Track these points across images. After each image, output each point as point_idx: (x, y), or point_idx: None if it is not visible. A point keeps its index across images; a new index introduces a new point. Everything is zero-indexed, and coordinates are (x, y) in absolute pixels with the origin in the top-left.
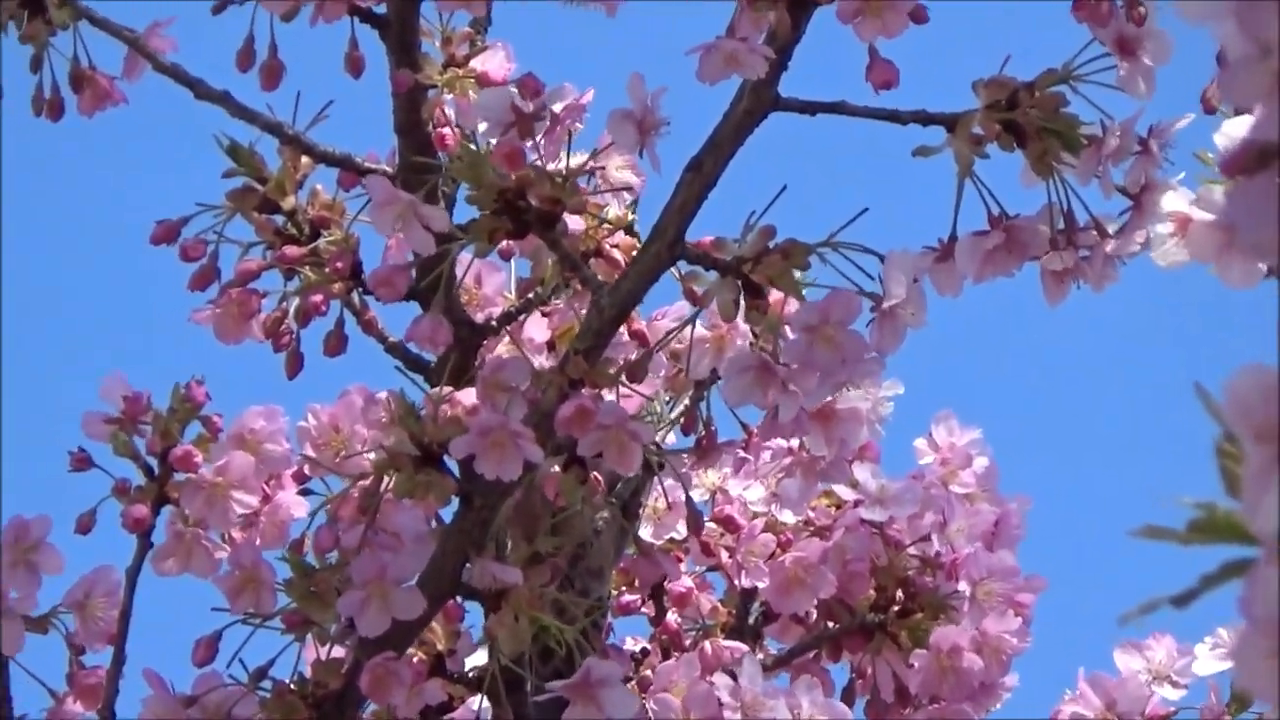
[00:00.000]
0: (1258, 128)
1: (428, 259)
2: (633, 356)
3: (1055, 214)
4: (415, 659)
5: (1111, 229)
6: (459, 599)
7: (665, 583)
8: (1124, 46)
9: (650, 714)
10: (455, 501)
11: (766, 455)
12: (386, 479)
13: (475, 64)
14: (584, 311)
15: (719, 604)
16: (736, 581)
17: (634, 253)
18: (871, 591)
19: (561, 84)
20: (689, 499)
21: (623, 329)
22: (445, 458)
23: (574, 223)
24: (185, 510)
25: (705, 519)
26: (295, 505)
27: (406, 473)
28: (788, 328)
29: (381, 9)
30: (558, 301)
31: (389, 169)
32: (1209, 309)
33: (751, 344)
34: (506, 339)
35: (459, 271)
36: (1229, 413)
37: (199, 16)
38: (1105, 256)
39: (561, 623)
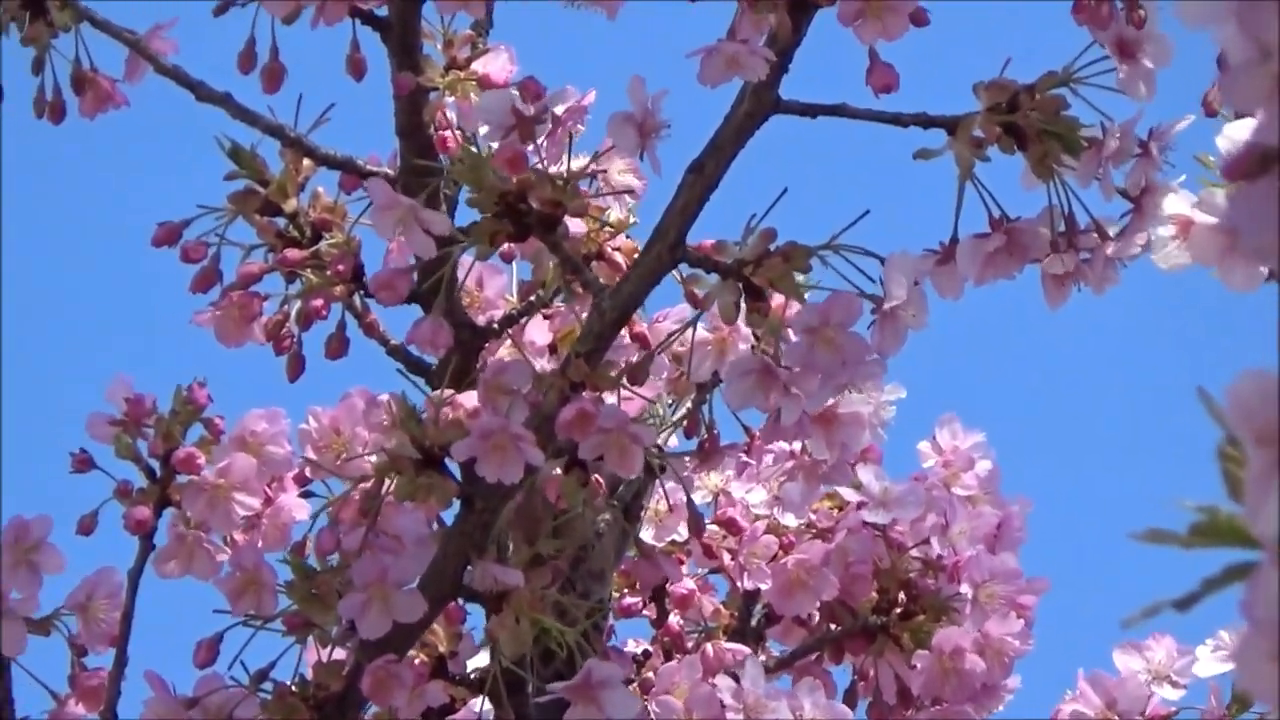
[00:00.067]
0: (1259, 131)
1: (429, 262)
2: (634, 359)
3: (1056, 216)
4: (417, 661)
5: (1112, 231)
6: (460, 601)
7: (667, 585)
8: (1124, 49)
9: (652, 715)
10: (456, 504)
11: (769, 458)
12: (388, 482)
13: (477, 66)
14: (585, 314)
15: (721, 606)
16: (739, 583)
17: (635, 256)
18: (874, 594)
19: (563, 87)
20: (690, 501)
21: (624, 332)
22: (447, 460)
23: (575, 225)
24: (187, 512)
25: (707, 521)
26: (297, 507)
27: (408, 475)
28: (789, 330)
29: (383, 11)
30: (559, 304)
31: (390, 172)
32: (1210, 312)
33: (753, 346)
34: (508, 342)
35: (460, 274)
36: (1231, 416)
37: (200, 19)
38: (1106, 259)
39: (563, 625)
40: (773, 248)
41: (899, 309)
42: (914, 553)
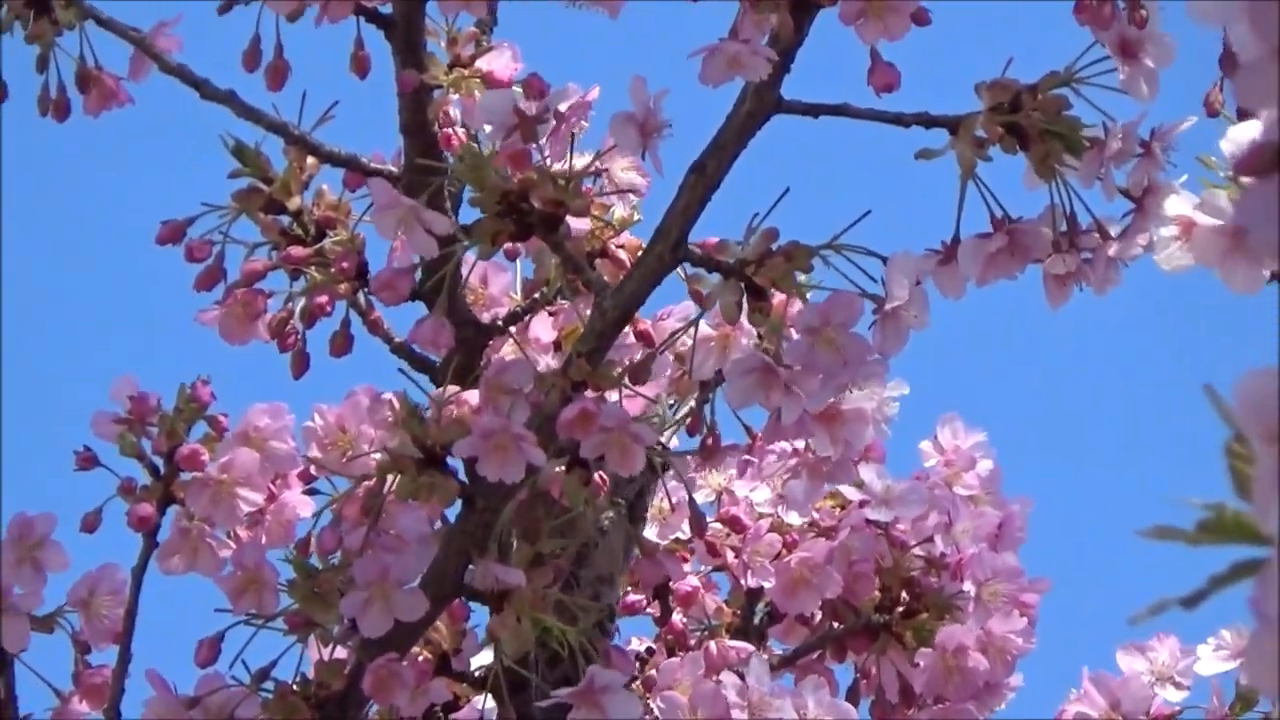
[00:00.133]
0: (1271, 129)
1: (433, 259)
2: (637, 358)
3: (1058, 216)
4: (420, 658)
5: (1114, 232)
6: (462, 599)
7: (670, 583)
8: (1126, 49)
9: (657, 712)
10: (459, 503)
11: (772, 457)
12: (390, 480)
13: (481, 64)
14: (588, 313)
15: (724, 604)
16: (742, 582)
17: (640, 253)
18: (876, 592)
19: (566, 85)
20: (692, 501)
21: (628, 330)
22: (449, 459)
23: (578, 224)
24: (191, 508)
25: (710, 520)
26: (301, 504)
27: (410, 474)
28: (791, 330)
29: (387, 9)
30: (563, 302)
31: (394, 169)
32: (1211, 313)
33: (757, 345)
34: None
35: (464, 272)
36: (1239, 414)
37: (205, 16)
38: (1107, 259)
39: (565, 624)
40: (775, 247)
41: (901, 309)
42: (916, 551)
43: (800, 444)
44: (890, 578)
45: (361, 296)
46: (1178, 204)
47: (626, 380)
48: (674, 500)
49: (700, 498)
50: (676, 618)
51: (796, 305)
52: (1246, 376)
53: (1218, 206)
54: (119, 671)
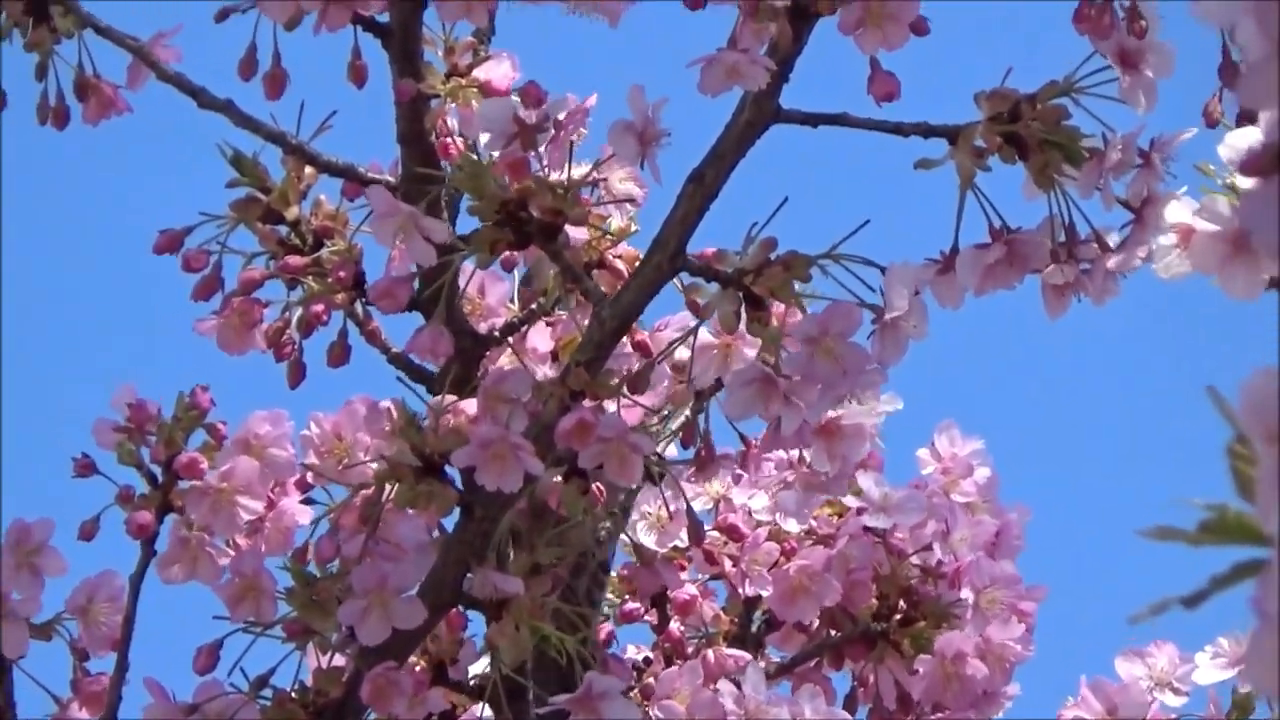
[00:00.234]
0: (1273, 130)
1: (430, 269)
2: (635, 368)
3: (1056, 227)
4: (418, 667)
5: (1113, 242)
6: (460, 608)
7: (668, 591)
8: (1125, 59)
9: None
10: (457, 512)
11: (769, 466)
12: (388, 489)
13: (479, 73)
14: (586, 323)
15: (722, 612)
16: (740, 590)
17: (637, 263)
18: (874, 600)
19: (564, 94)
20: (690, 509)
21: (625, 340)
22: (447, 468)
23: (577, 234)
24: (191, 516)
25: (708, 528)
26: (299, 512)
27: (408, 483)
28: (790, 339)
29: (384, 18)
30: (561, 312)
31: (392, 179)
32: (1210, 321)
33: (758, 354)
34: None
35: (462, 281)
36: (1242, 415)
37: (202, 25)
38: (1106, 271)
39: (563, 633)
40: (773, 257)
41: (900, 319)
42: (914, 559)
43: (797, 455)
44: (888, 585)
45: (359, 306)
46: (1177, 211)
47: (625, 390)
48: (672, 509)
49: (698, 506)
50: (674, 626)
51: (795, 315)
52: (1250, 377)
53: (1217, 212)
54: (117, 679)
